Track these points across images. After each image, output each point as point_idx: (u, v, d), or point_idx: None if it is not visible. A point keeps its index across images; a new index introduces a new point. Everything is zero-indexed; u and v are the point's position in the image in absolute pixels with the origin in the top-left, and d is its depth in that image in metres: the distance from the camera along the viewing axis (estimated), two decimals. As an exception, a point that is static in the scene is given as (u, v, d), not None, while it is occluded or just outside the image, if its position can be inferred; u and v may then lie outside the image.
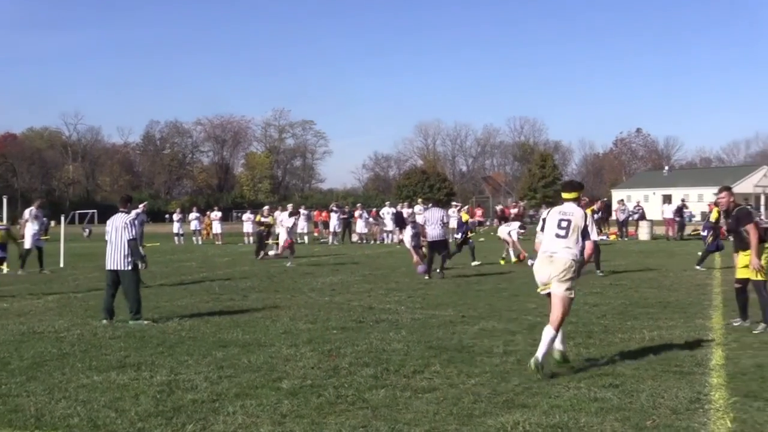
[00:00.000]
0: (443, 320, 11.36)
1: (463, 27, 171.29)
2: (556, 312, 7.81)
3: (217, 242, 37.75)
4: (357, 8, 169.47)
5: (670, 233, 38.39)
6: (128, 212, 11.98)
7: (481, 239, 34.70)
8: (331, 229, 38.50)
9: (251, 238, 34.96)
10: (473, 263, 21.33)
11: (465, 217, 24.27)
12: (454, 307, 12.74)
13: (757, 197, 79.58)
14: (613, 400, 6.70)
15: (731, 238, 11.48)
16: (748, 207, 11.31)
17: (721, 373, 7.68)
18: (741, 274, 10.52)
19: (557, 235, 8.04)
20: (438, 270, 18.26)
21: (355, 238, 38.39)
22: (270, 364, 8.32)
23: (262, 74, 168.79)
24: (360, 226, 38.18)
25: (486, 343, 9.40)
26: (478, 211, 53.86)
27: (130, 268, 11.52)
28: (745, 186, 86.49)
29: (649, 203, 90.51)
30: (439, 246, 18.45)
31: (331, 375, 7.76)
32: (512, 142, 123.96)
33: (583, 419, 6.13)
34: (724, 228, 16.83)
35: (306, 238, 39.14)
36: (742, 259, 10.40)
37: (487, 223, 56.82)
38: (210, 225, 41.02)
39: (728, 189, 11.06)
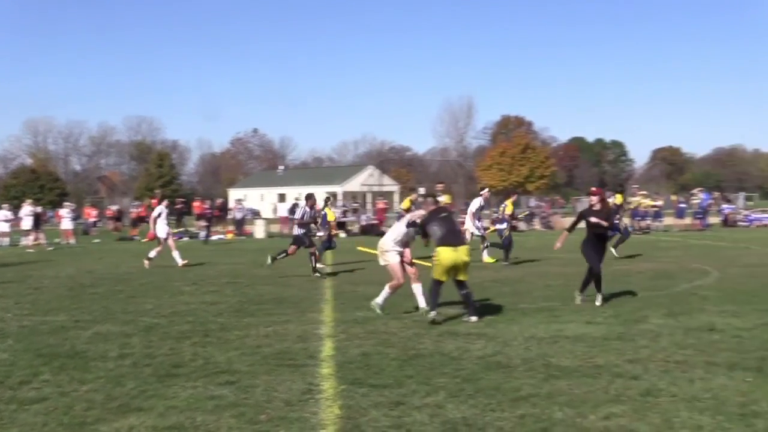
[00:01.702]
0: (55, 326, 10.75)
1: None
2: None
3: None
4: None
5: (285, 230, 39.86)
6: None
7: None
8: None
9: None
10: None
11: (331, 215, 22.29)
12: (67, 312, 12.11)
13: (364, 195, 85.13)
14: (230, 396, 6.80)
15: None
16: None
17: (331, 364, 8.11)
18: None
19: None
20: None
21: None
22: None
23: None
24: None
25: (101, 348, 9.07)
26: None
27: None
28: (353, 185, 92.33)
29: (264, 202, 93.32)
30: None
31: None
32: (129, 141, 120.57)
33: (199, 418, 6.15)
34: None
35: None
36: (451, 255, 10.73)
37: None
38: None
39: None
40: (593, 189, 13.30)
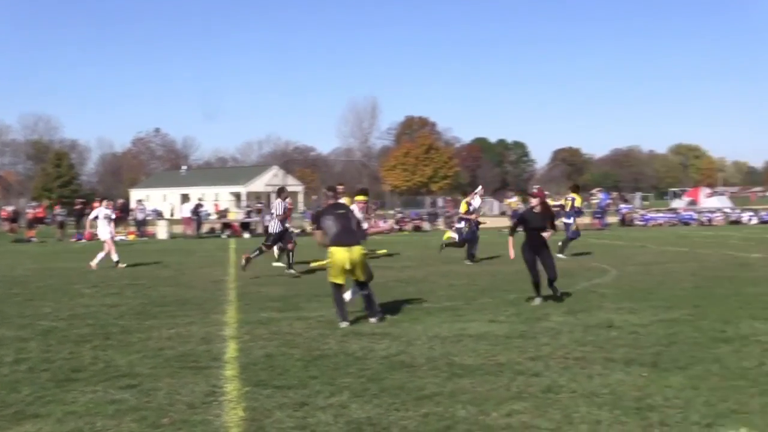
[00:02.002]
0: (-56, 331, 10.33)
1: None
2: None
3: None
4: None
5: (189, 231, 39.28)
6: None
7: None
8: None
9: None
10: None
11: None
12: (-42, 316, 11.66)
13: (268, 195, 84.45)
14: (131, 400, 6.66)
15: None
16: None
17: (234, 365, 8.02)
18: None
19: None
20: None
21: None
22: None
23: None
24: None
25: (-6, 353, 8.77)
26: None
27: None
28: (257, 185, 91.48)
29: (167, 202, 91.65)
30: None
31: None
32: (25, 140, 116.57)
33: (99, 423, 6.01)
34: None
35: None
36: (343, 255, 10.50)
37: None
38: None
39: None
40: (534, 191, 13.19)
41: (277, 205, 18.36)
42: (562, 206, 22.29)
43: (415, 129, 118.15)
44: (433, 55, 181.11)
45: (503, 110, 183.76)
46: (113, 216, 21.16)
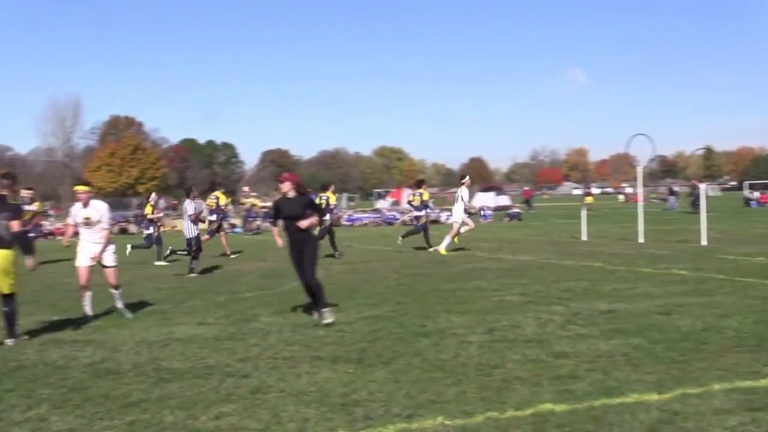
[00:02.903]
0: None
1: None
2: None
3: None
4: None
5: None
6: None
7: None
8: None
9: None
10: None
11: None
12: None
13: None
14: None
15: None
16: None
17: None
18: None
19: None
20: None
21: None
22: None
23: None
24: None
25: None
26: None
27: None
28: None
29: None
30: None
31: None
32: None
33: None
34: None
35: None
36: None
37: None
38: None
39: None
40: (283, 175, 10.97)
41: (190, 205, 17.98)
42: (410, 201, 24.06)
43: (121, 129, 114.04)
44: (140, 54, 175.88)
45: (213, 111, 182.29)
46: None
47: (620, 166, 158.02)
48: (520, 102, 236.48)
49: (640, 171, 27.36)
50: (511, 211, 45.93)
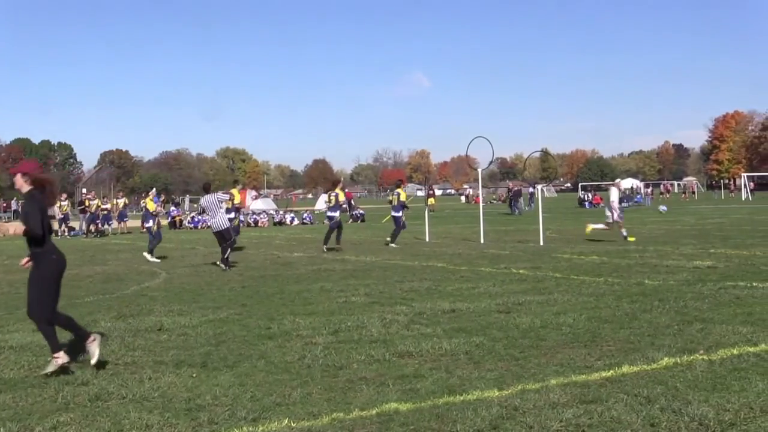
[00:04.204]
0: None
1: None
2: None
3: None
4: None
5: None
6: None
7: None
8: None
9: None
10: None
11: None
12: None
13: None
14: None
15: None
16: None
17: None
18: None
19: None
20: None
21: None
22: None
23: None
24: None
25: None
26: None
27: None
28: None
29: None
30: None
31: None
32: None
33: None
34: None
35: None
36: None
37: None
38: None
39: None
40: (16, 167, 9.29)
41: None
42: (390, 201, 25.37)
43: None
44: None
45: (49, 110, 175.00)
46: None
47: (461, 168, 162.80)
48: (364, 104, 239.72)
49: (480, 173, 28.24)
50: (355, 212, 46.28)
